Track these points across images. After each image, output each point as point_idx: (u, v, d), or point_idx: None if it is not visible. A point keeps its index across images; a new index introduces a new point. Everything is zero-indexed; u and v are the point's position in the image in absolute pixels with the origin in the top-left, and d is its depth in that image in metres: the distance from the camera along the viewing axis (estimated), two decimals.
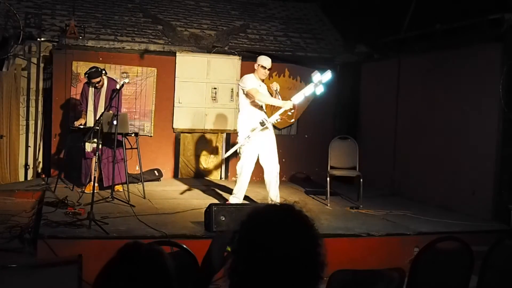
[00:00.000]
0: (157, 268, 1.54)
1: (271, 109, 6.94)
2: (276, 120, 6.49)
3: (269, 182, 6.46)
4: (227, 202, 6.57)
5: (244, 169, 6.44)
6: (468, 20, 7.10)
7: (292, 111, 6.43)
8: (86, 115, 7.32)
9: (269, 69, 6.52)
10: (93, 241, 4.99)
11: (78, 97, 8.44)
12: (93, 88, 7.23)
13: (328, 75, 6.36)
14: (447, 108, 7.42)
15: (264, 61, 6.47)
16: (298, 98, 6.38)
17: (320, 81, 6.31)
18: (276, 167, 6.48)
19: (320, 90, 6.34)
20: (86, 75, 7.16)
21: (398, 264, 3.51)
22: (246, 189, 6.54)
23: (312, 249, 1.49)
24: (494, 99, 6.58)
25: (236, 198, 6.51)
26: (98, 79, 7.11)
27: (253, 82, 6.40)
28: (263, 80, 6.62)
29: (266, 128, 6.36)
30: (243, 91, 6.40)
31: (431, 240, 3.20)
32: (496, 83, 6.52)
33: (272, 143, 6.50)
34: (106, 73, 7.27)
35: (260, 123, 6.31)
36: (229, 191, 7.77)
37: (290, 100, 6.34)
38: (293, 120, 6.32)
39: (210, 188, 8.18)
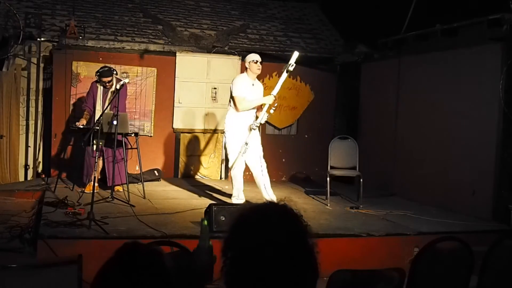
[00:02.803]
0: (155, 268, 1.53)
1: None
2: (267, 117, 6.51)
3: (260, 181, 6.44)
4: None
5: (238, 169, 6.48)
6: (468, 20, 7.09)
7: (275, 104, 6.50)
8: (90, 114, 7.33)
9: (260, 62, 6.53)
10: (93, 241, 4.99)
11: (78, 97, 8.46)
12: (102, 88, 7.25)
13: (295, 55, 6.48)
14: (447, 108, 7.42)
15: (253, 56, 6.55)
16: (276, 89, 6.50)
17: (290, 64, 6.44)
18: (264, 164, 6.46)
19: (291, 68, 6.47)
20: (98, 74, 7.18)
21: (398, 264, 3.51)
22: (243, 187, 6.55)
23: (301, 243, 1.50)
24: (494, 99, 6.58)
25: (238, 199, 6.51)
26: (109, 78, 7.13)
27: (242, 87, 6.42)
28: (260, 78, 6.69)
29: (256, 129, 6.42)
30: (231, 94, 6.48)
31: (431, 240, 3.20)
32: (496, 83, 6.52)
33: (256, 140, 6.48)
34: (117, 73, 7.31)
35: (253, 128, 6.37)
36: (229, 190, 7.77)
37: (270, 94, 6.45)
38: (271, 112, 6.47)
39: (210, 188, 8.18)
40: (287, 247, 1.47)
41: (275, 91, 6.47)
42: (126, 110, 7.68)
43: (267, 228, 1.49)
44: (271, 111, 6.47)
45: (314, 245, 1.52)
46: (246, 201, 6.57)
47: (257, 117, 6.50)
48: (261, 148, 6.55)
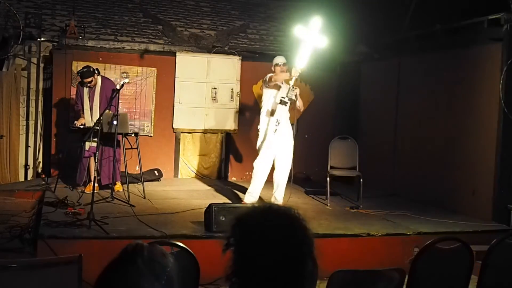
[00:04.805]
0: (159, 269, 1.53)
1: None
2: (292, 89, 6.42)
3: (278, 182, 6.53)
4: (242, 202, 6.60)
5: (261, 167, 6.52)
6: (468, 20, 7.09)
7: (294, 78, 6.45)
8: (83, 114, 7.34)
9: (283, 64, 6.58)
10: (93, 241, 4.99)
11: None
12: (87, 88, 7.25)
13: (317, 22, 6.49)
14: (447, 108, 7.42)
15: (276, 59, 6.69)
16: (299, 62, 6.41)
17: (312, 34, 6.39)
18: (288, 169, 6.56)
19: (322, 42, 6.40)
20: (79, 75, 7.18)
21: (398, 264, 3.52)
22: (261, 188, 6.58)
23: (302, 247, 1.49)
24: (494, 99, 6.58)
25: (251, 196, 6.53)
26: (89, 79, 7.12)
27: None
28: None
29: (286, 104, 6.40)
30: (265, 85, 6.54)
31: (431, 240, 3.21)
32: (496, 83, 6.52)
33: (290, 144, 6.64)
34: (99, 72, 7.29)
35: (282, 102, 6.36)
36: (229, 191, 7.78)
37: (294, 67, 6.45)
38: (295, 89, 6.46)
39: (210, 188, 8.18)
40: (287, 249, 1.46)
41: (299, 65, 6.38)
42: (123, 110, 7.68)
43: (270, 230, 1.49)
44: (293, 81, 6.41)
45: (314, 252, 1.51)
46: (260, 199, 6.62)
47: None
48: (291, 150, 6.62)
